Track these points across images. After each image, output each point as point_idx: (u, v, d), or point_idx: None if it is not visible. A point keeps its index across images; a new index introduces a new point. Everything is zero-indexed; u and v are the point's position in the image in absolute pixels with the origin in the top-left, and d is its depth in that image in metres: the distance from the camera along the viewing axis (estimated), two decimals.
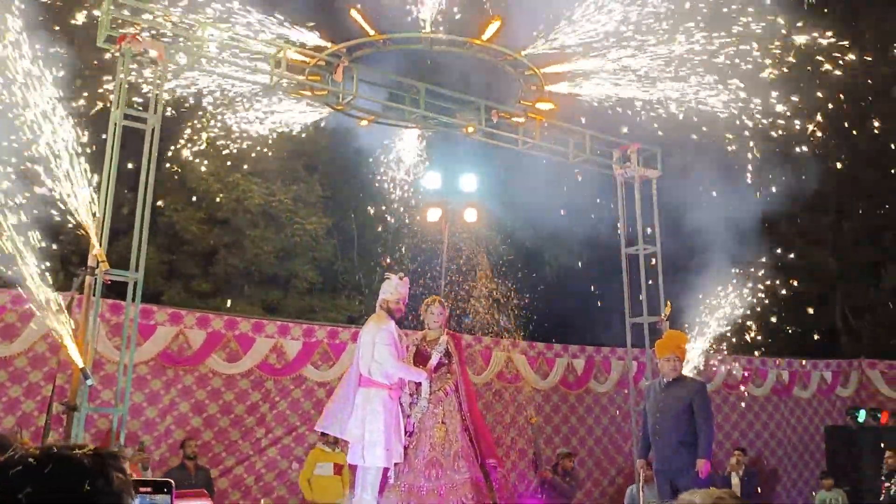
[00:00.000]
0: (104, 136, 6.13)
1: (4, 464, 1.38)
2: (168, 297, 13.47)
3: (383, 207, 13.52)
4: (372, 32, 7.00)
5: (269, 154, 11.79)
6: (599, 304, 14.61)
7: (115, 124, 5.98)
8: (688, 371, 7.53)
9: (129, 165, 6.82)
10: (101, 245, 5.69)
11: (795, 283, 18.39)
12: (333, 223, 15.76)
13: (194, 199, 13.80)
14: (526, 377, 11.46)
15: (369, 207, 15.18)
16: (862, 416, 11.73)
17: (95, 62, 6.72)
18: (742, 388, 12.89)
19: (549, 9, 7.34)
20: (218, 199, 13.88)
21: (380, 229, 15.44)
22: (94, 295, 5.85)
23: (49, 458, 1.40)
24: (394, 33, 7.11)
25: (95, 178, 5.82)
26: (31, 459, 1.38)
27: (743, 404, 13.02)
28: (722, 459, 11.50)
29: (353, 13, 6.74)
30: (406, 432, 6.21)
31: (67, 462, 1.39)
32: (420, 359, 6.42)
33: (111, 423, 7.98)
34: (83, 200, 5.60)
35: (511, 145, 8.60)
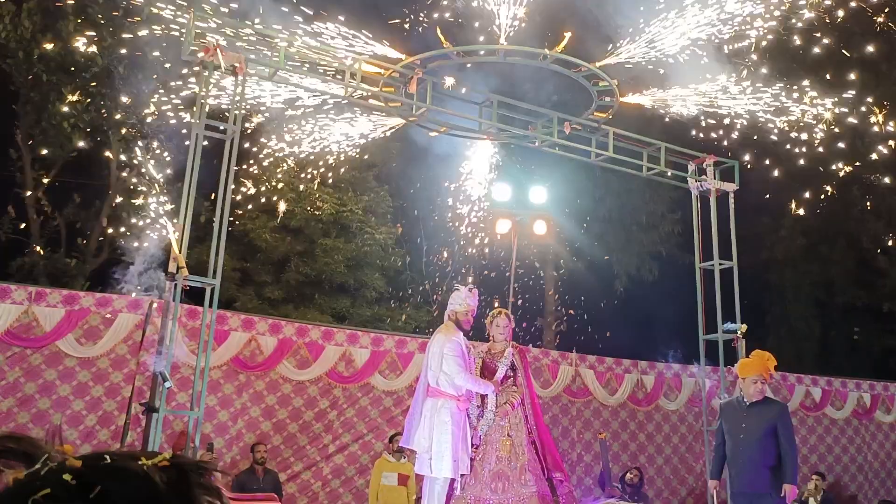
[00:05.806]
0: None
1: (23, 485, 0.85)
2: (241, 303, 13.80)
3: (450, 215, 13.54)
4: (447, 45, 7.04)
5: (342, 164, 11.98)
6: (670, 319, 14.28)
7: (196, 135, 6.15)
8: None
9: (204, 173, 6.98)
10: (181, 251, 5.86)
11: (879, 303, 17.63)
12: (402, 233, 15.90)
13: (276, 211, 14.11)
14: (594, 392, 11.29)
15: (437, 217, 15.24)
16: None
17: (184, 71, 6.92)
18: (821, 409, 12.39)
19: (626, 21, 7.25)
20: (292, 209, 14.17)
21: (449, 232, 15.45)
22: (174, 300, 6.01)
23: (98, 471, 0.87)
24: (468, 45, 7.14)
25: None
26: (66, 476, 0.85)
27: (821, 427, 12.52)
28: (799, 484, 11.04)
29: (437, 30, 6.80)
30: (472, 444, 6.18)
31: (126, 478, 0.87)
32: (486, 371, 6.38)
33: (185, 425, 8.22)
34: (165, 208, 5.78)
35: (584, 157, 8.50)
